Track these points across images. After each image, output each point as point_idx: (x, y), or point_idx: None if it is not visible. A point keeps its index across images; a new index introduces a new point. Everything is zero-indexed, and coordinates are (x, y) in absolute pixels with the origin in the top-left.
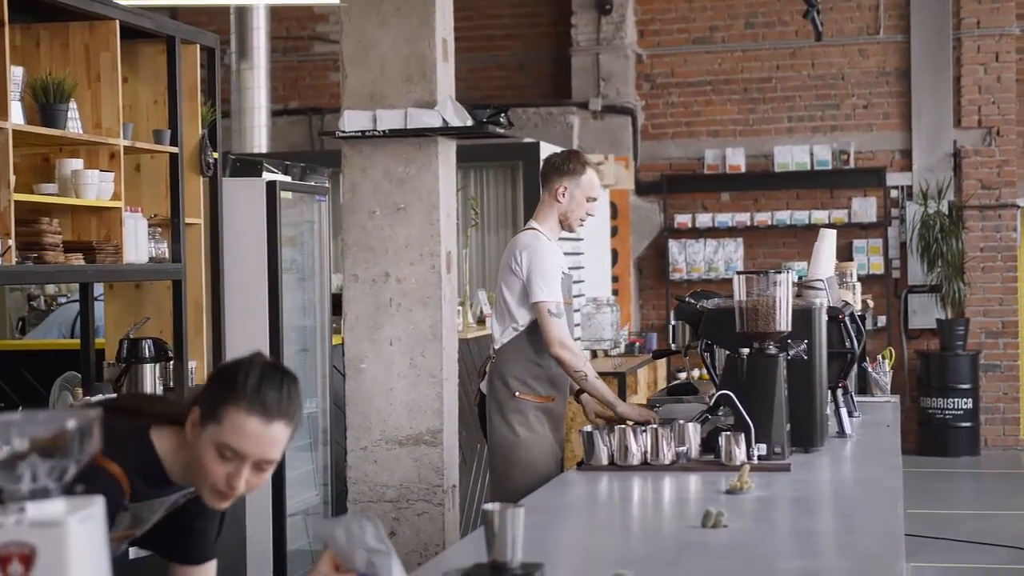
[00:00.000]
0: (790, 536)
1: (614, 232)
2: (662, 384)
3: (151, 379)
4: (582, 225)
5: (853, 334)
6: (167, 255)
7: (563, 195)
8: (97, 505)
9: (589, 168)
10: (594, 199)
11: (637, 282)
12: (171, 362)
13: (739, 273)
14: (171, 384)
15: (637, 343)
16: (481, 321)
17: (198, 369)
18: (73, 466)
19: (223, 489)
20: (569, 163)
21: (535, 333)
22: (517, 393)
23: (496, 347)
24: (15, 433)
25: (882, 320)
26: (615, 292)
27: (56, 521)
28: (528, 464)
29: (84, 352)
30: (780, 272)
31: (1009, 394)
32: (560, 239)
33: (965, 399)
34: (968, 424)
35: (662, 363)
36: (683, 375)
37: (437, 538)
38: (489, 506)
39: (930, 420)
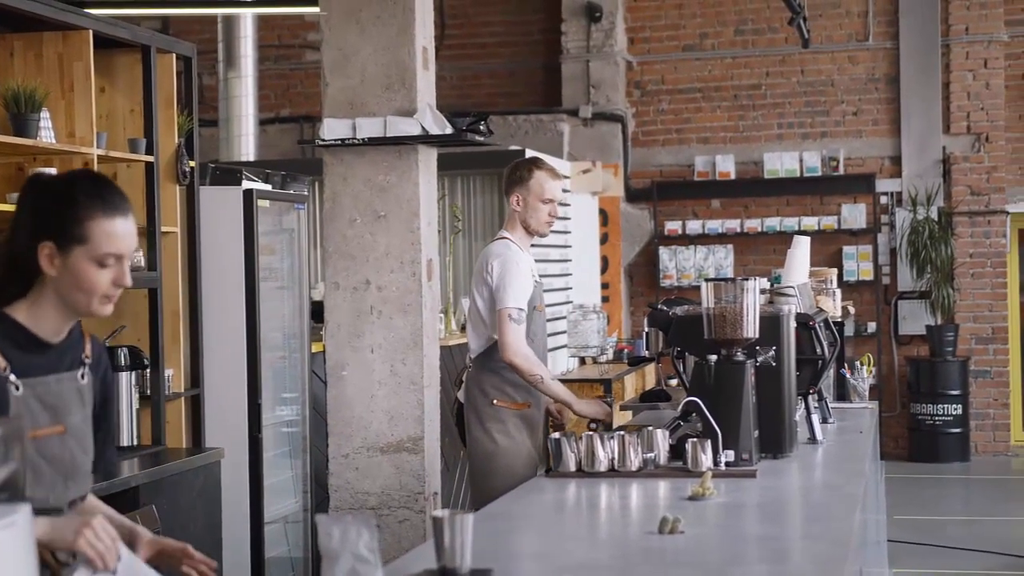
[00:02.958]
0: (743, 542)
1: (604, 239)
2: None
3: (127, 387)
4: (550, 226)
5: (824, 340)
6: (143, 263)
7: (519, 203)
8: (22, 512)
9: (538, 171)
10: (550, 200)
11: (628, 289)
12: (147, 370)
13: (707, 280)
14: (147, 392)
15: (626, 350)
16: (464, 328)
17: (175, 377)
18: None
19: (110, 293)
20: (517, 171)
21: None
22: (495, 401)
23: (472, 356)
24: None
25: (872, 326)
26: (606, 299)
27: None
28: (507, 471)
29: None
30: (748, 279)
31: (999, 400)
32: (546, 246)
33: (955, 405)
34: (958, 430)
35: (651, 369)
36: (674, 382)
37: (418, 545)
38: (438, 513)
39: (920, 426)
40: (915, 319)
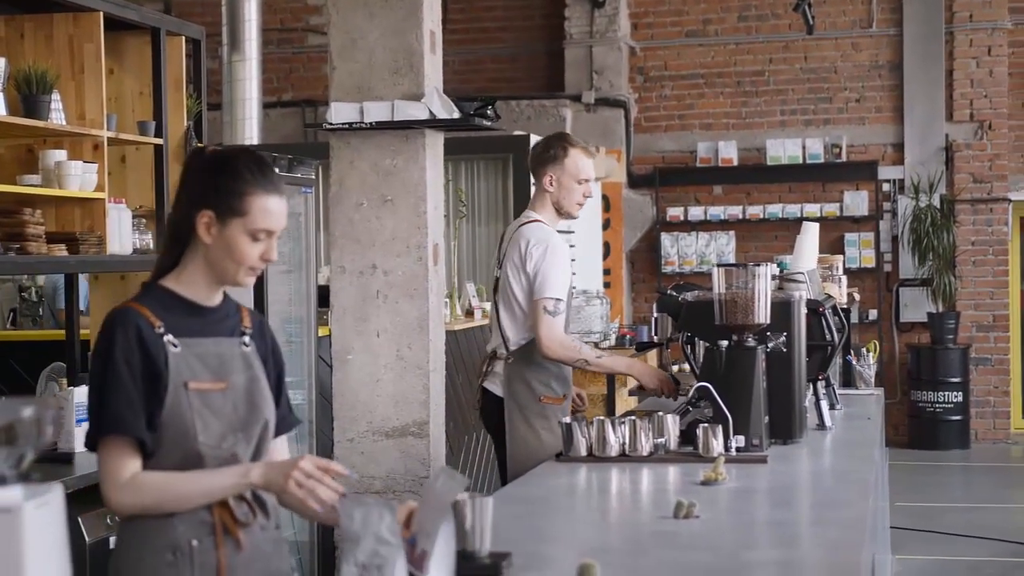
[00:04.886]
0: (758, 527)
1: (606, 225)
2: None
3: None
4: (581, 207)
5: (834, 327)
6: (152, 246)
7: (551, 183)
8: (54, 492)
9: (573, 149)
10: (585, 180)
11: (629, 275)
12: None
13: (718, 266)
14: None
15: (628, 335)
16: (469, 313)
17: None
18: (30, 453)
19: (257, 266)
20: (550, 149)
21: None
22: (542, 398)
23: (512, 347)
24: None
25: (873, 313)
26: (607, 285)
27: (12, 507)
28: None
29: (68, 342)
30: (759, 265)
31: (999, 388)
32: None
33: (956, 392)
34: (958, 417)
35: (653, 355)
36: (676, 368)
37: None
38: (458, 496)
39: (920, 413)
40: (916, 306)
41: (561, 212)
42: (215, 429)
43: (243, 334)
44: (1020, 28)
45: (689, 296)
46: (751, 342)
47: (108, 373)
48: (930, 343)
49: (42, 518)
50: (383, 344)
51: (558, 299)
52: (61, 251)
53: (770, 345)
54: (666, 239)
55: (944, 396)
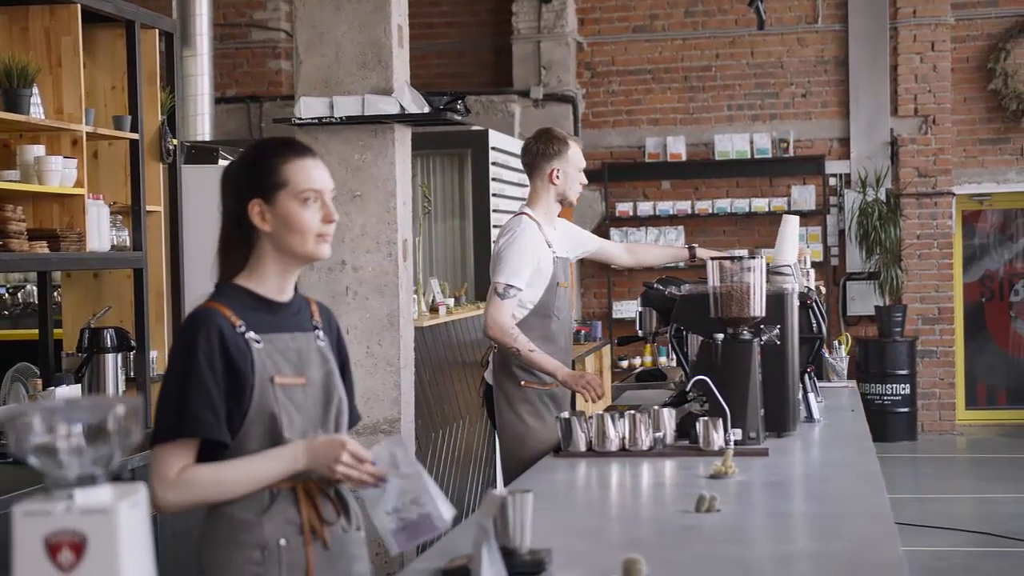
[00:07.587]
0: (782, 519)
1: None
2: (607, 372)
3: (113, 369)
4: (580, 192)
5: (820, 319)
6: (128, 243)
7: (557, 177)
8: (141, 491)
9: (570, 141)
10: (583, 168)
11: (578, 271)
12: (133, 352)
13: (713, 258)
14: (132, 374)
15: (583, 331)
16: (434, 309)
17: (159, 359)
18: (119, 452)
19: (322, 230)
20: (553, 145)
21: (535, 319)
22: (523, 383)
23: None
24: (61, 419)
25: None
26: None
27: (106, 508)
28: (539, 453)
29: (42, 342)
30: (754, 258)
31: (945, 379)
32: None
33: (903, 385)
34: (905, 409)
35: (607, 351)
36: (624, 363)
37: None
38: (499, 492)
39: (868, 406)
40: (863, 300)
41: (564, 201)
42: (298, 424)
43: (315, 328)
44: (962, 24)
45: (682, 289)
46: (746, 335)
47: (191, 374)
48: (877, 336)
49: (134, 518)
50: (353, 341)
51: (509, 284)
52: (42, 248)
53: (764, 338)
54: (615, 234)
55: (892, 388)
